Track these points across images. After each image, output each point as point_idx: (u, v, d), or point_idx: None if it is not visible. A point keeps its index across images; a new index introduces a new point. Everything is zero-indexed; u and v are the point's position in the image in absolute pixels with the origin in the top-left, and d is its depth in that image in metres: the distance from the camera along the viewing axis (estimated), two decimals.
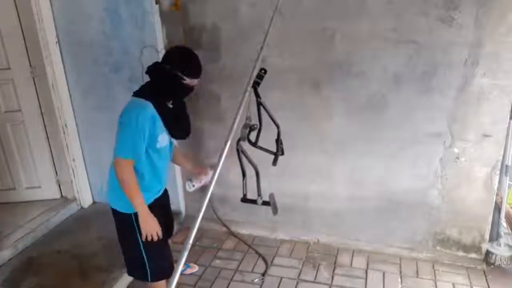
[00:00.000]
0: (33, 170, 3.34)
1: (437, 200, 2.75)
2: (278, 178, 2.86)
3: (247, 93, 1.74)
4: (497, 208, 2.73)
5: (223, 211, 3.28)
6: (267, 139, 1.99)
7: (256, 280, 2.74)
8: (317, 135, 2.85)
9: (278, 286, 2.69)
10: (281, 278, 2.75)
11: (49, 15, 3.02)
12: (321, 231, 3.09)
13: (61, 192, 3.47)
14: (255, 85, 1.80)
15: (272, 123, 1.96)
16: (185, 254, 1.41)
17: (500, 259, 2.73)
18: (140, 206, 1.93)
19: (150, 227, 1.96)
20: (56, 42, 3.09)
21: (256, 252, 3.02)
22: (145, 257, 2.05)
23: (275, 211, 2.02)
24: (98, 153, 3.32)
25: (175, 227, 2.52)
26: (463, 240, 2.81)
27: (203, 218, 1.47)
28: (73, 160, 3.36)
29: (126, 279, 2.62)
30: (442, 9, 2.37)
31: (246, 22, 2.72)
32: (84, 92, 3.23)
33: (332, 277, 2.75)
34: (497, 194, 2.68)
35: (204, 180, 2.27)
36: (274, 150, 2.05)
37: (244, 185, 1.98)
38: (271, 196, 2.05)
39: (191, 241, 1.43)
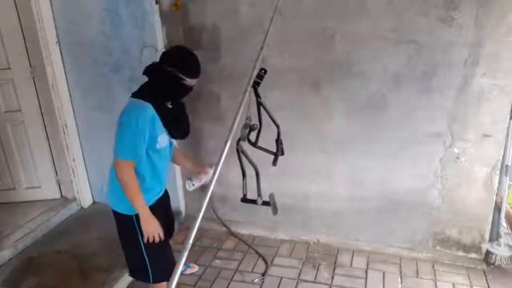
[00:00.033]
0: (33, 170, 3.34)
1: (437, 200, 2.75)
2: (278, 178, 2.86)
3: (247, 93, 1.73)
4: (497, 208, 2.73)
5: (223, 211, 3.28)
6: (267, 139, 1.99)
7: (256, 280, 2.74)
8: (317, 135, 2.85)
9: (278, 286, 2.69)
10: (281, 278, 2.75)
11: (49, 15, 3.02)
12: (321, 231, 3.09)
13: (61, 192, 3.47)
14: (255, 85, 1.80)
15: (272, 123, 1.96)
16: (185, 254, 1.41)
17: (500, 259, 2.73)
18: (141, 208, 1.93)
19: (152, 228, 1.96)
20: (56, 42, 3.09)
21: (256, 252, 3.02)
22: (146, 258, 2.05)
23: (275, 211, 2.02)
24: (98, 153, 3.32)
25: (175, 227, 2.52)
26: (463, 240, 2.81)
27: (203, 218, 1.46)
28: (73, 160, 3.36)
29: (126, 279, 2.63)
30: (442, 9, 2.37)
31: (246, 22, 2.72)
32: (84, 92, 3.23)
33: (332, 277, 2.75)
34: (497, 194, 2.68)
35: (204, 179, 2.27)
36: (274, 150, 2.05)
37: (244, 185, 1.98)
38: (271, 196, 2.05)
39: (191, 241, 1.42)
